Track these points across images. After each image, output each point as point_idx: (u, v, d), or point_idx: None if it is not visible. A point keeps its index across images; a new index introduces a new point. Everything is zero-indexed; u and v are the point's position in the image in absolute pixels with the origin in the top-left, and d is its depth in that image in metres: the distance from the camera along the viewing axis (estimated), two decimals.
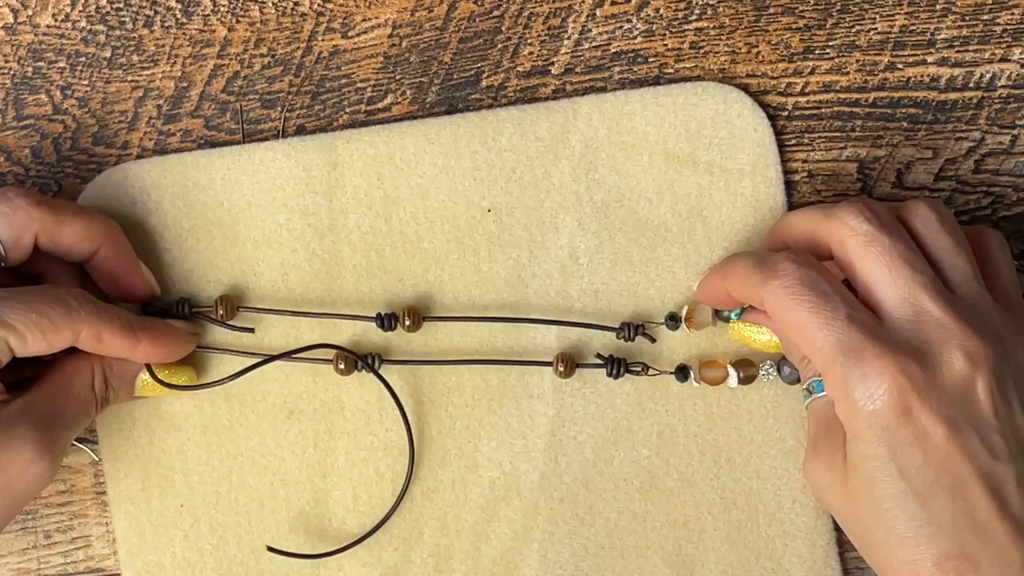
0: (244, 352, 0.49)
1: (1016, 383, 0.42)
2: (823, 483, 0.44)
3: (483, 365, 0.50)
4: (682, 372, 0.49)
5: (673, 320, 0.49)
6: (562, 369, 0.49)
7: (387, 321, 0.49)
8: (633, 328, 0.49)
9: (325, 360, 0.49)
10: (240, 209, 0.50)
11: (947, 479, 0.40)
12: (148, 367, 0.48)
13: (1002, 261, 0.46)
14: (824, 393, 0.44)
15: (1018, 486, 0.40)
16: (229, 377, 0.48)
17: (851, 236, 0.43)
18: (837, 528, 0.50)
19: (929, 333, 0.41)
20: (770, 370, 0.49)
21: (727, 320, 0.49)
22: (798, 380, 0.49)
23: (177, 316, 0.49)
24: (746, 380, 0.49)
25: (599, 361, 0.49)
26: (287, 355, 0.49)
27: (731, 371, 0.49)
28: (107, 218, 0.48)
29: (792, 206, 0.50)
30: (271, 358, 0.48)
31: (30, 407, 0.45)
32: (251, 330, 0.50)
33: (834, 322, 0.41)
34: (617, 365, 0.49)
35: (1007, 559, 0.40)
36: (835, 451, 0.43)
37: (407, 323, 0.49)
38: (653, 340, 0.50)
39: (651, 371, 0.49)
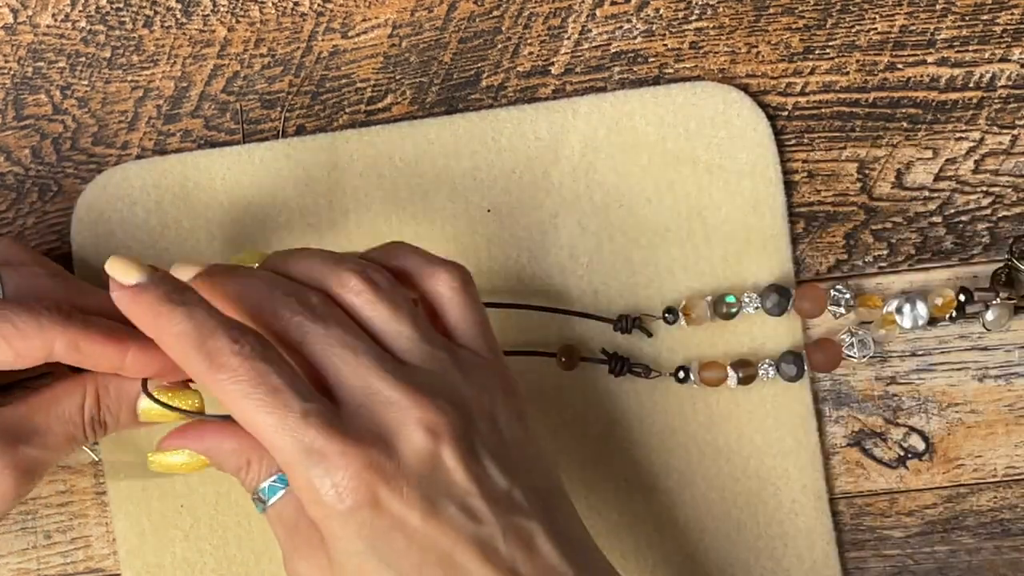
0: None
1: (486, 438, 0.40)
2: None
3: None
4: (682, 373, 0.49)
5: (670, 313, 0.49)
6: (564, 360, 0.49)
7: None
8: (630, 320, 0.49)
9: None
10: (240, 209, 0.50)
11: (434, 555, 0.39)
12: (145, 389, 0.44)
13: (454, 303, 0.43)
14: (279, 496, 0.42)
15: (504, 539, 0.39)
16: None
17: (293, 331, 0.41)
18: (837, 528, 0.50)
19: (384, 415, 0.39)
20: (770, 370, 0.49)
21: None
22: (796, 378, 0.49)
23: None
24: (746, 380, 0.49)
25: (603, 356, 0.49)
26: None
27: (731, 372, 0.49)
28: (132, 330, 0.42)
29: (792, 206, 0.50)
30: None
31: (3, 424, 0.43)
32: None
33: (290, 422, 0.39)
34: (620, 363, 0.49)
35: None
36: (314, 551, 0.41)
37: None
38: (650, 334, 0.50)
39: (653, 374, 0.49)
